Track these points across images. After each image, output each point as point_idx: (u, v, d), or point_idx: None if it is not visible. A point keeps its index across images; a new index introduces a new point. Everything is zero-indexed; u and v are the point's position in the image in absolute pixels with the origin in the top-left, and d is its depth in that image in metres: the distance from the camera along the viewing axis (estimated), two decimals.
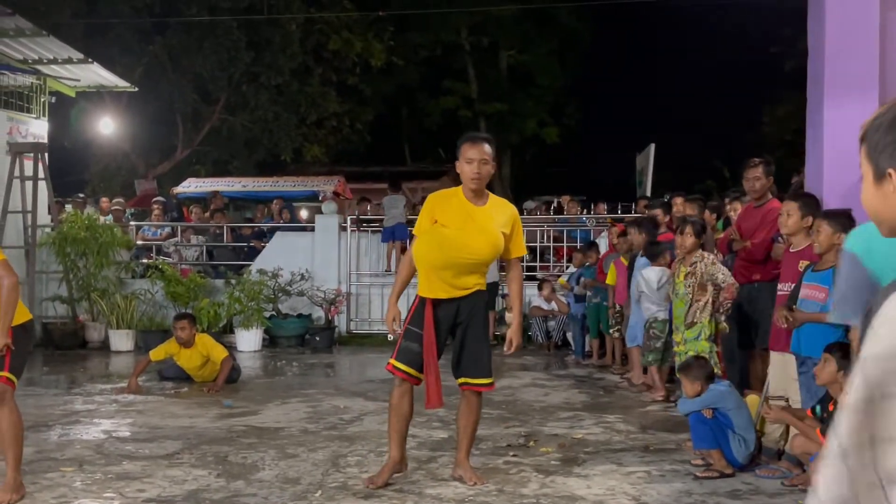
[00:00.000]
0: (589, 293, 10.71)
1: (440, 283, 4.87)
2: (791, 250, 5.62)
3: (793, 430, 5.11)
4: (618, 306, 9.36)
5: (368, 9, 23.27)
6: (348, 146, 26.33)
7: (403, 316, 5.04)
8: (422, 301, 4.92)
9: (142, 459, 5.71)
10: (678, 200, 9.02)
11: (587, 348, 11.05)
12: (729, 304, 6.80)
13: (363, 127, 26.55)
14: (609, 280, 9.65)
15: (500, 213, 4.93)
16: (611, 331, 9.82)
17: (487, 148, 4.89)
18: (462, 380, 4.98)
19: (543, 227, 14.58)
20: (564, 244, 13.86)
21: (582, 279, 11.03)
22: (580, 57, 30.00)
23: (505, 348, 5.10)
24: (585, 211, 16.17)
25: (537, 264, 14.03)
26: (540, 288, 12.09)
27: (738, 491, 4.97)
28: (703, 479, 5.18)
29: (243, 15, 21.05)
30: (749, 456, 5.35)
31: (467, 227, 4.82)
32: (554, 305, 11.87)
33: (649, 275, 7.98)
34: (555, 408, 7.65)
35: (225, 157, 24.01)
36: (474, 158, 4.84)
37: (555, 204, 18.49)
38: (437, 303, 4.89)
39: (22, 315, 4.91)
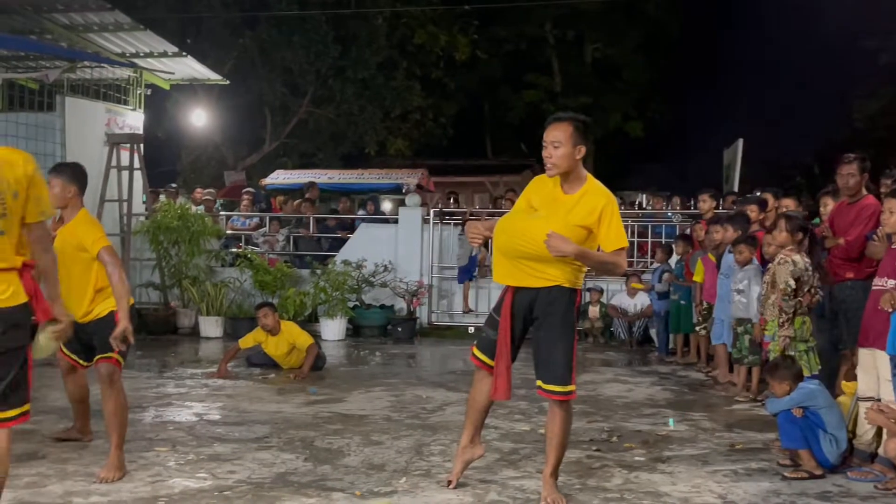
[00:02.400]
0: (671, 290, 10.59)
1: (509, 268, 4.52)
2: (893, 247, 5.45)
3: (886, 432, 4.98)
4: (705, 303, 9.22)
5: (454, 3, 23.35)
6: (431, 139, 26.50)
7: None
8: (506, 286, 4.63)
9: (232, 442, 5.88)
10: (769, 196, 8.84)
11: (671, 346, 10.92)
12: (781, 313, 6.58)
13: (446, 120, 26.68)
14: (696, 277, 9.51)
15: (586, 203, 4.43)
16: (697, 328, 9.68)
17: (561, 130, 4.43)
18: (538, 383, 4.54)
19: (627, 221, 14.40)
20: (649, 240, 13.67)
21: (666, 275, 10.90)
22: (667, 50, 29.51)
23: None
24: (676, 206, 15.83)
25: None
26: (627, 282, 11.96)
27: (829, 493, 4.87)
28: (791, 479, 5.08)
29: (332, 9, 21.37)
30: (840, 456, 5.23)
31: (543, 213, 4.47)
32: (637, 301, 11.77)
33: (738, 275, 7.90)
34: (638, 404, 7.59)
35: (311, 149, 24.42)
36: (545, 142, 4.46)
37: (639, 199, 18.23)
38: (515, 290, 4.56)
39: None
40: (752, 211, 8.66)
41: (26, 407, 3.63)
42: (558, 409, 4.53)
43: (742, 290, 7.82)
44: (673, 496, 4.76)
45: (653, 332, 11.56)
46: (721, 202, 11.50)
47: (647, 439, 6.12)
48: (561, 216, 4.41)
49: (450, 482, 4.82)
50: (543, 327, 4.52)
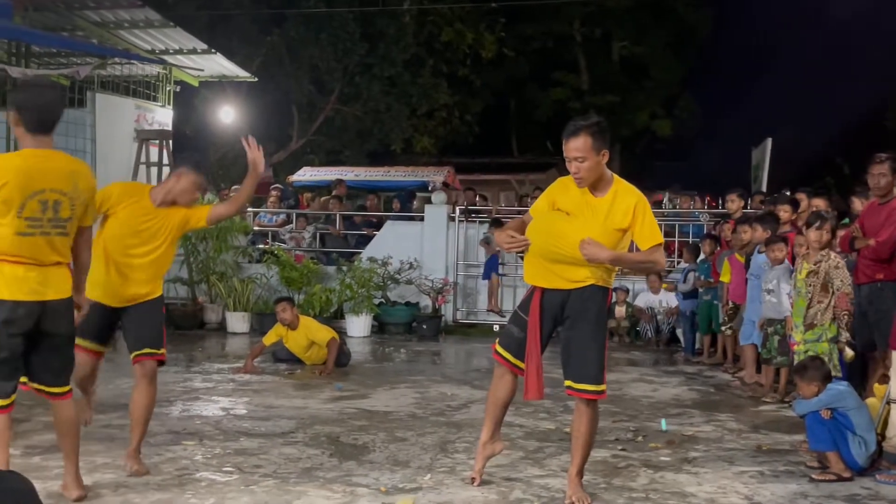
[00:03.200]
0: (701, 290, 10.52)
1: (541, 271, 4.53)
2: None
3: None
4: (731, 303, 9.15)
5: (481, 0, 23.32)
6: (457, 137, 26.50)
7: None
8: (532, 286, 4.65)
9: (258, 436, 5.92)
10: (802, 196, 8.75)
11: (697, 346, 10.85)
12: (846, 316, 6.53)
13: (472, 118, 26.67)
14: (723, 277, 9.44)
15: (619, 204, 4.42)
16: (723, 329, 9.61)
17: (580, 141, 4.35)
18: (566, 382, 4.52)
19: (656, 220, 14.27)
20: (676, 239, 13.58)
21: (692, 275, 10.82)
22: (696, 48, 29.30)
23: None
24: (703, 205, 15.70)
25: None
26: (648, 278, 11.89)
27: (857, 496, 4.82)
28: (819, 481, 5.04)
29: (359, 7, 21.42)
30: (869, 458, 5.17)
31: (578, 216, 4.45)
32: (662, 298, 11.71)
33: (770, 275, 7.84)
34: (664, 404, 7.55)
35: (338, 147, 24.50)
36: (568, 157, 4.41)
37: (665, 198, 18.08)
38: (544, 289, 4.55)
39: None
40: (785, 211, 8.54)
41: None
42: (586, 408, 4.52)
43: (772, 289, 7.75)
44: (699, 496, 4.74)
45: (679, 332, 11.50)
46: (749, 202, 11.39)
47: (673, 439, 6.09)
48: (600, 222, 4.41)
49: (473, 479, 4.83)
50: (576, 326, 4.50)
